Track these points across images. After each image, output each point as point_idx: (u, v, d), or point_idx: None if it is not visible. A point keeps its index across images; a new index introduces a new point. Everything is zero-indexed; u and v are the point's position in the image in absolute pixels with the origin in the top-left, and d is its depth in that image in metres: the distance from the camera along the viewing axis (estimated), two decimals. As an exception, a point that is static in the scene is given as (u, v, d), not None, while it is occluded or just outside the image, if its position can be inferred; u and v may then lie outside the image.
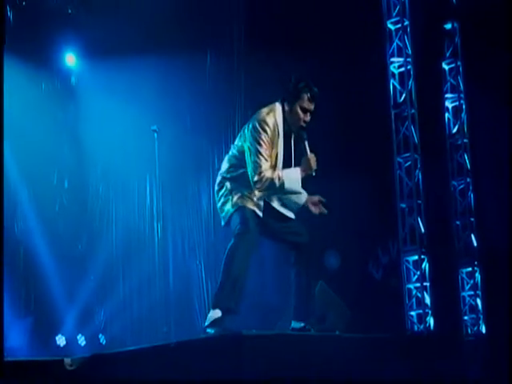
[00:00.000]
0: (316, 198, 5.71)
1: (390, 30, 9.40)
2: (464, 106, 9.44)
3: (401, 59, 9.31)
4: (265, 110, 5.51)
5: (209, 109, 9.49)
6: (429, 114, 9.33)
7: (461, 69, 9.48)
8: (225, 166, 5.65)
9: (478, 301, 8.91)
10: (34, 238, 9.39)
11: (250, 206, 5.45)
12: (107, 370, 5.25)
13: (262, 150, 5.38)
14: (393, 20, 9.39)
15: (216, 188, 5.67)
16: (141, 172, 9.53)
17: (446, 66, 9.57)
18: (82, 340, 9.48)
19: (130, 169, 9.72)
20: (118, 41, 9.34)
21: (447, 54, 9.56)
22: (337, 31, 9.06)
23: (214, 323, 5.33)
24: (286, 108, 5.52)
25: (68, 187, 9.88)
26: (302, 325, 5.56)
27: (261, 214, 5.48)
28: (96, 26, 9.37)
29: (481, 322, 8.81)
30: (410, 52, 9.28)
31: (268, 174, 5.37)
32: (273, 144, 5.43)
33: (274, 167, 5.42)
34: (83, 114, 9.91)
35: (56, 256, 9.42)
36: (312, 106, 5.52)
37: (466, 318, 8.92)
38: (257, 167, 5.38)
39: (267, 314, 8.39)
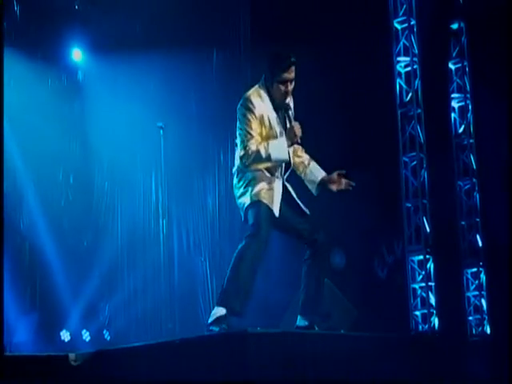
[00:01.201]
0: (334, 175, 5.68)
1: (396, 29, 9.39)
2: (470, 106, 9.44)
3: (407, 58, 9.30)
4: (249, 91, 5.51)
5: (215, 105, 9.48)
6: (435, 114, 9.31)
7: (467, 69, 9.48)
8: (236, 157, 5.65)
9: (483, 301, 8.90)
10: (40, 234, 9.40)
11: (266, 200, 5.43)
12: (111, 365, 5.25)
13: (248, 128, 5.36)
14: (399, 19, 9.38)
15: (234, 181, 5.63)
16: (146, 168, 9.54)
17: (452, 66, 9.56)
18: (86, 335, 9.48)
19: (135, 165, 9.74)
20: (124, 37, 9.35)
21: (453, 54, 9.56)
22: (343, 30, 9.06)
23: (218, 320, 5.32)
24: (268, 85, 5.48)
25: (73, 183, 9.88)
26: (307, 323, 5.56)
27: (277, 210, 5.45)
28: (102, 22, 9.38)
29: (485, 322, 8.80)
30: (416, 51, 9.28)
31: (253, 147, 5.34)
32: (261, 121, 5.41)
33: (262, 141, 5.39)
34: (89, 110, 9.91)
35: (61, 252, 9.42)
36: (290, 75, 5.43)
37: (470, 318, 8.92)
38: (243, 143, 5.38)
39: (271, 310, 8.39)
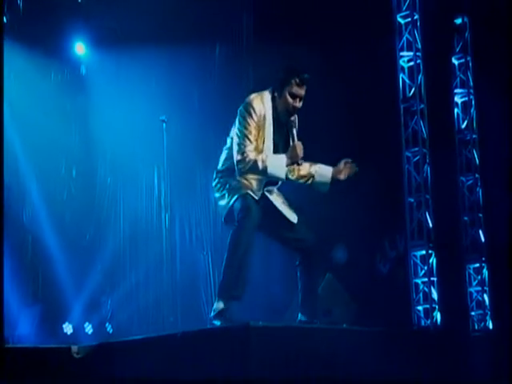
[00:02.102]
0: (341, 165, 5.69)
1: (399, 23, 9.37)
2: (473, 102, 9.43)
3: (410, 53, 9.28)
4: (253, 95, 5.47)
5: (217, 100, 9.47)
6: (438, 109, 9.29)
7: (470, 64, 9.47)
8: (221, 159, 5.61)
9: (485, 296, 8.90)
10: (42, 227, 9.42)
11: (250, 193, 5.39)
12: (113, 358, 5.26)
13: (246, 132, 5.32)
14: (403, 14, 9.35)
15: (213, 184, 5.62)
16: (149, 162, 9.54)
17: (455, 61, 9.55)
18: (88, 328, 9.50)
19: (138, 159, 9.74)
20: (127, 31, 9.36)
21: (457, 49, 9.54)
22: (347, 24, 9.03)
23: (220, 314, 5.32)
24: (276, 95, 5.45)
25: (76, 176, 9.91)
26: (308, 319, 5.56)
27: (258, 198, 5.41)
28: (105, 16, 9.38)
29: (488, 317, 8.80)
30: (419, 46, 9.25)
31: (252, 155, 5.30)
32: (259, 128, 5.37)
33: (259, 151, 5.36)
34: (92, 104, 9.92)
35: (64, 245, 9.45)
36: (302, 92, 5.43)
37: (472, 313, 8.92)
38: (241, 148, 5.32)
39: (274, 305, 8.39)
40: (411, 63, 9.28)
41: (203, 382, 4.79)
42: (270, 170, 5.31)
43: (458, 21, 9.50)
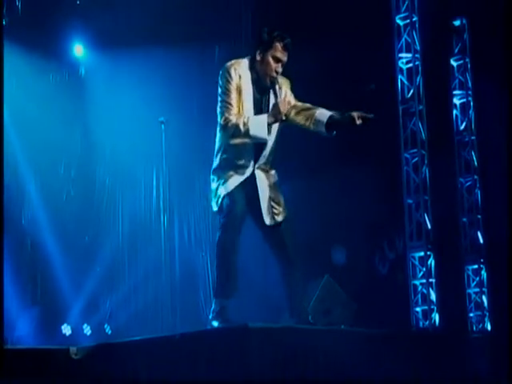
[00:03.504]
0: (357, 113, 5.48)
1: (398, 25, 9.39)
2: (472, 103, 9.43)
3: (409, 55, 9.30)
4: (229, 62, 5.50)
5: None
6: (436, 111, 9.31)
7: (469, 66, 9.47)
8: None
9: (484, 298, 8.90)
10: (41, 228, 9.42)
11: (232, 188, 5.39)
12: (112, 359, 5.25)
13: (226, 98, 5.36)
14: (401, 15, 9.38)
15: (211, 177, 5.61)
16: (148, 163, 9.53)
17: (454, 63, 9.56)
18: (87, 329, 9.50)
19: (137, 160, 9.74)
20: (126, 32, 9.35)
21: (455, 51, 9.55)
22: (345, 26, 9.04)
23: (219, 314, 5.35)
24: (258, 58, 5.44)
25: (75, 177, 9.91)
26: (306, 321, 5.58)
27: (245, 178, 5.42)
28: (104, 17, 9.36)
29: (486, 319, 8.80)
30: (418, 48, 9.27)
31: (233, 119, 5.32)
32: (239, 92, 5.38)
33: (241, 114, 5.36)
34: (91, 105, 9.92)
35: (63, 246, 9.45)
36: (285, 58, 5.44)
37: (471, 315, 8.92)
38: (223, 113, 5.37)
39: (272, 305, 8.38)
40: (410, 65, 9.30)
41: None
42: (252, 132, 5.29)
43: (457, 22, 9.51)
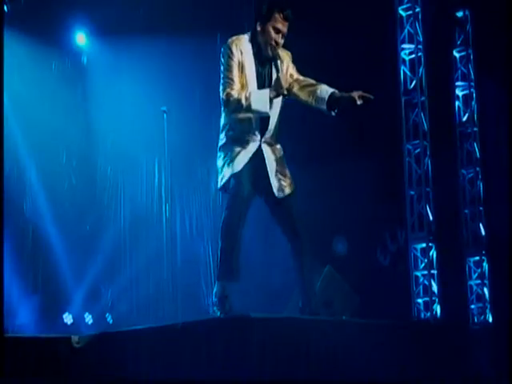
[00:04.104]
0: (358, 92, 5.43)
1: (401, 16, 9.38)
2: (474, 95, 9.41)
3: (412, 46, 9.28)
4: (231, 38, 5.51)
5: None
6: (439, 102, 9.29)
7: (472, 57, 9.46)
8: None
9: (485, 290, 8.91)
10: (43, 217, 9.41)
11: (238, 169, 5.39)
12: (113, 348, 5.27)
13: (228, 74, 5.38)
14: (404, 6, 9.36)
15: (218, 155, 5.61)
16: (150, 152, 9.52)
17: (456, 54, 9.54)
18: (88, 318, 9.49)
19: (138, 149, 9.72)
20: (128, 20, 9.31)
21: (458, 42, 9.54)
22: (348, 16, 9.01)
23: (221, 303, 5.35)
24: (259, 29, 5.46)
25: (76, 166, 9.88)
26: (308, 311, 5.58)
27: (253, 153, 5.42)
28: (107, 6, 9.32)
29: (487, 311, 8.81)
30: (420, 39, 9.25)
31: (235, 94, 5.34)
32: (241, 67, 5.40)
33: (243, 89, 5.38)
34: (93, 94, 9.89)
35: (64, 235, 9.44)
36: (285, 28, 5.45)
37: (472, 306, 8.92)
38: (225, 89, 5.39)
39: (276, 295, 8.39)
40: (412, 56, 9.28)
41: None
42: (253, 106, 5.30)
43: (460, 14, 9.50)
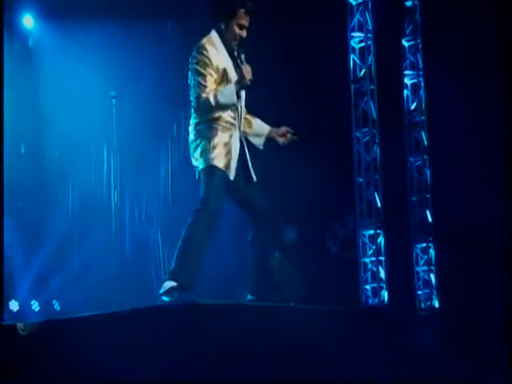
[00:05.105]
0: (283, 129, 5.81)
1: (351, 4, 9.39)
2: (422, 84, 9.48)
3: (361, 34, 9.30)
4: (202, 40, 5.55)
5: (170, 75, 9.38)
6: (388, 90, 9.35)
7: (420, 46, 9.51)
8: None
9: (432, 276, 9.01)
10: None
11: (222, 164, 5.45)
12: (60, 335, 5.22)
13: (200, 79, 5.42)
14: (354, -5, 9.39)
15: (190, 137, 5.64)
16: (99, 138, 9.41)
17: (405, 43, 9.58)
18: (35, 306, 9.40)
19: (87, 134, 9.59)
20: (78, 2, 9.18)
21: (407, 31, 9.58)
22: (298, 4, 9.01)
23: (170, 291, 5.33)
24: (223, 27, 5.54)
25: (25, 152, 9.75)
26: (257, 298, 5.60)
27: (232, 174, 5.50)
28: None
29: (434, 296, 8.91)
30: (370, 28, 9.29)
31: (204, 95, 5.39)
32: (216, 70, 5.46)
33: (217, 86, 5.46)
34: (42, 78, 9.73)
35: (11, 221, 9.30)
36: (247, 22, 5.54)
37: (419, 292, 9.00)
38: (196, 94, 5.43)
39: (224, 282, 8.39)
40: (362, 44, 9.31)
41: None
42: (221, 100, 5.39)
43: (409, 3, 9.53)
